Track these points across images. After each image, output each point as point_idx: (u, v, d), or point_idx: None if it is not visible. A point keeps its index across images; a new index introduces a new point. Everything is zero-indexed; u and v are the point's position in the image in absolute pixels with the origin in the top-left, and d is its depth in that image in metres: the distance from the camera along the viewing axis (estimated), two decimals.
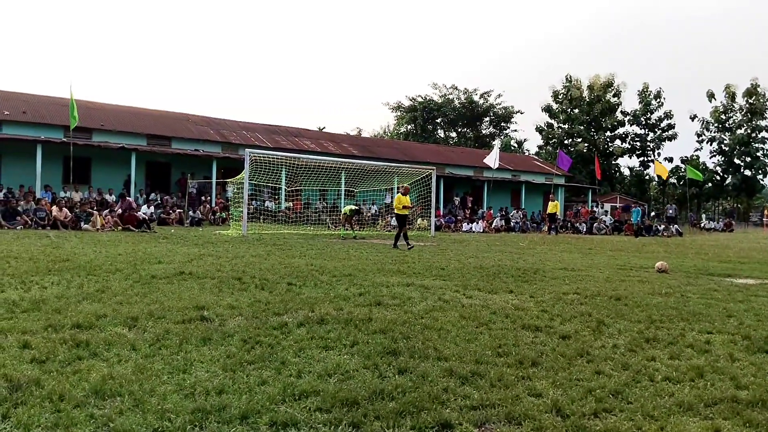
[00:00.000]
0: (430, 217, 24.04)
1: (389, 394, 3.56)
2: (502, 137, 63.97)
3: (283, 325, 5.25)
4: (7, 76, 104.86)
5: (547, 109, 56.69)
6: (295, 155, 23.37)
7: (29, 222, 18.17)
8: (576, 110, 55.48)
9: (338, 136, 40.95)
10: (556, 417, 3.34)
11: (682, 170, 50.85)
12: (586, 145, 54.66)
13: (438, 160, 36.01)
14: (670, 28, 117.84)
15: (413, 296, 7.09)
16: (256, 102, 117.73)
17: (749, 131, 52.37)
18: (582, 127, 54.77)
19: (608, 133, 56.30)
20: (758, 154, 52.20)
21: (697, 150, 57.09)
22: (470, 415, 3.31)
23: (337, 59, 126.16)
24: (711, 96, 54.00)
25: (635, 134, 56.65)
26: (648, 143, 56.22)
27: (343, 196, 26.89)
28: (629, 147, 56.65)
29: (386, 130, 70.96)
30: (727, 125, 53.67)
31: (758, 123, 52.20)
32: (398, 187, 24.51)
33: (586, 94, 55.81)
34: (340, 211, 22.08)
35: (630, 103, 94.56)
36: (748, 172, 53.17)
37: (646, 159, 56.68)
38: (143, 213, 21.04)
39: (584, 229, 32.97)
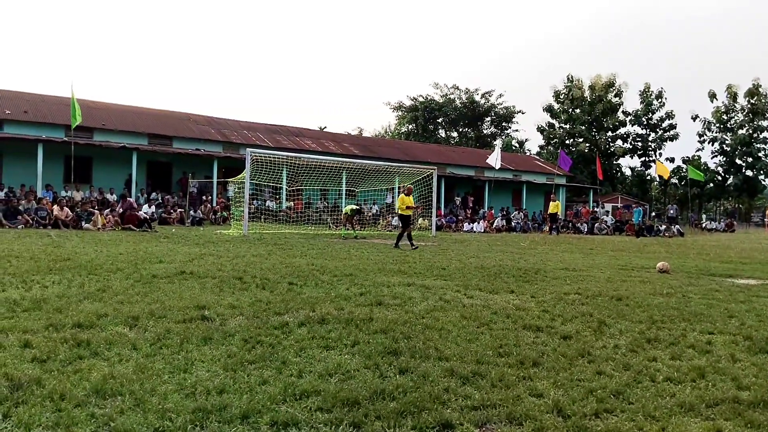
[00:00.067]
0: (431, 216, 24.04)
1: (390, 394, 3.56)
2: (504, 137, 63.96)
3: (284, 324, 5.25)
4: (8, 76, 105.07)
5: (549, 109, 56.65)
6: (297, 155, 23.37)
7: (30, 221, 18.19)
8: (577, 110, 55.43)
9: (339, 136, 40.98)
10: (557, 417, 3.34)
11: (684, 170, 50.80)
12: (587, 145, 54.58)
13: (439, 160, 36.01)
14: (670, 28, 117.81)
15: (414, 296, 7.09)
16: (258, 102, 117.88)
17: (751, 131, 52.29)
18: (583, 127, 54.72)
19: (609, 133, 56.24)
20: (760, 154, 52.10)
21: (698, 150, 57.25)
22: (471, 416, 3.31)
23: (339, 59, 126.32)
24: (713, 96, 53.95)
25: (637, 134, 56.63)
26: (649, 143, 56.18)
27: (344, 196, 26.88)
28: (630, 147, 56.59)
29: (387, 130, 70.94)
30: (728, 125, 53.59)
31: (760, 123, 52.10)
32: (400, 187, 24.56)
33: (587, 94, 55.77)
34: (341, 211, 22.09)
35: (631, 103, 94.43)
36: (749, 173, 53.09)
37: (647, 159, 56.63)
38: (144, 212, 21.03)
39: (585, 230, 32.96)
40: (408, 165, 26.89)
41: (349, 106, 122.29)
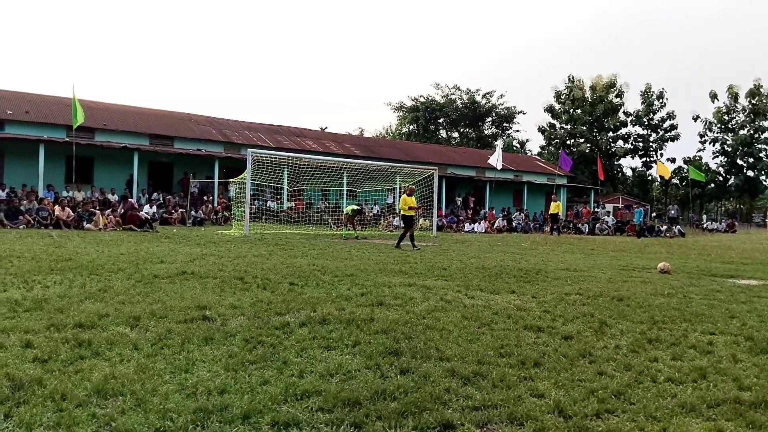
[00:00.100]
0: (432, 217, 24.05)
1: (391, 394, 3.56)
2: (505, 138, 63.95)
3: (285, 325, 5.25)
4: (10, 76, 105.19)
5: (550, 110, 56.62)
6: (298, 155, 23.41)
7: (32, 221, 18.21)
8: (578, 111, 55.40)
9: (340, 136, 40.98)
10: (558, 418, 3.34)
11: (685, 171, 50.77)
12: (588, 145, 54.55)
13: (440, 161, 36.01)
14: (670, 28, 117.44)
15: (415, 296, 7.09)
16: (259, 102, 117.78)
17: (752, 132, 52.21)
18: (584, 128, 54.68)
19: (611, 134, 56.18)
20: (761, 154, 52.01)
21: (699, 151, 57.09)
22: (472, 416, 3.31)
23: (339, 59, 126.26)
24: (714, 96, 53.91)
25: (638, 135, 56.54)
26: (650, 144, 56.12)
27: (345, 196, 26.91)
28: (632, 147, 56.54)
29: (388, 130, 70.91)
30: (729, 126, 53.53)
31: (761, 124, 52.01)
32: (401, 188, 24.57)
33: (588, 94, 55.75)
34: (342, 211, 22.10)
35: (632, 103, 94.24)
36: (750, 173, 52.99)
37: (648, 159, 56.58)
38: (145, 213, 21.06)
39: (586, 230, 32.94)
40: (409, 165, 26.90)
41: (349, 107, 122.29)
